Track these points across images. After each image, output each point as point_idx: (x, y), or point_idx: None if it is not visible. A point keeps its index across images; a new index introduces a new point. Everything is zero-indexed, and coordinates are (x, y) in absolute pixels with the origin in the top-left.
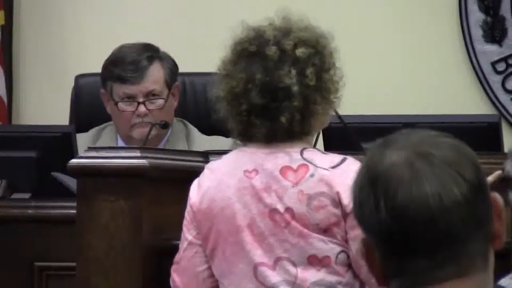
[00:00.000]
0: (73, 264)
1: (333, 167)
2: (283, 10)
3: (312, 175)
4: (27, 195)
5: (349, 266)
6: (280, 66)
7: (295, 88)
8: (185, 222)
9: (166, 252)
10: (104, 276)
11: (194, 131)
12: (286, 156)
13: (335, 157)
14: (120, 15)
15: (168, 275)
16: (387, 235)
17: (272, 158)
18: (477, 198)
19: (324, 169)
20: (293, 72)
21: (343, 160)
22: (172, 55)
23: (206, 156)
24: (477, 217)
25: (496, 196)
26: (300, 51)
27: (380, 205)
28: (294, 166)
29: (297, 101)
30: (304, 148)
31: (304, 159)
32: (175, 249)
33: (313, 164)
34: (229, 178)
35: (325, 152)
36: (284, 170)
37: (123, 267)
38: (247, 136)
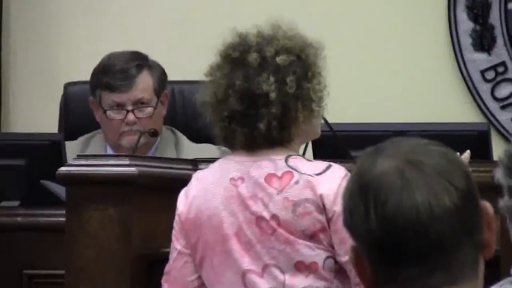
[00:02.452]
0: (62, 272)
1: (318, 174)
2: (273, 18)
3: (296, 182)
4: (16, 203)
5: (336, 272)
6: (260, 73)
7: (273, 95)
8: (174, 232)
9: (156, 260)
10: (93, 284)
11: (183, 139)
12: (271, 164)
13: (320, 164)
14: (110, 24)
15: (157, 282)
16: (377, 243)
17: (258, 165)
18: (468, 206)
19: (309, 175)
20: (272, 79)
21: (328, 167)
22: (161, 63)
23: (195, 164)
24: (467, 225)
25: (487, 205)
26: (280, 59)
27: (370, 213)
28: (279, 174)
29: (275, 108)
30: (289, 156)
31: (289, 166)
32: (165, 257)
33: (298, 171)
34: (215, 187)
35: (310, 159)
36: (269, 177)
37: (112, 275)
38: (229, 143)
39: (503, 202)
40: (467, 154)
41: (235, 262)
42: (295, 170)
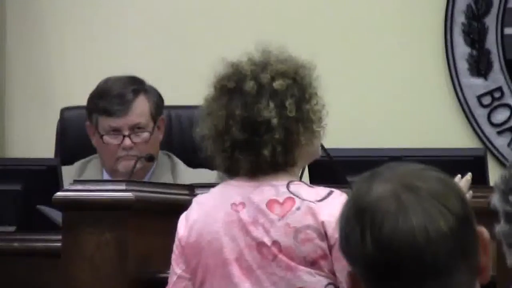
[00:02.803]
0: None
1: (319, 201)
2: (262, 43)
3: (298, 208)
4: (12, 228)
5: None
6: (259, 100)
7: (275, 121)
8: (173, 256)
9: (152, 284)
10: None
11: (180, 164)
12: (272, 190)
13: (321, 190)
14: (106, 48)
15: None
16: (373, 266)
17: (259, 191)
18: (463, 230)
19: (311, 201)
20: (272, 105)
21: (329, 194)
22: (157, 88)
23: (192, 189)
24: (463, 250)
25: (483, 230)
26: (277, 84)
27: (366, 237)
28: (281, 200)
29: (278, 133)
30: (291, 181)
31: (291, 192)
32: (161, 281)
33: (299, 197)
34: (216, 211)
35: (312, 185)
36: (270, 203)
37: None
38: (232, 172)
39: (499, 227)
40: (468, 177)
41: (235, 287)
42: (297, 196)
